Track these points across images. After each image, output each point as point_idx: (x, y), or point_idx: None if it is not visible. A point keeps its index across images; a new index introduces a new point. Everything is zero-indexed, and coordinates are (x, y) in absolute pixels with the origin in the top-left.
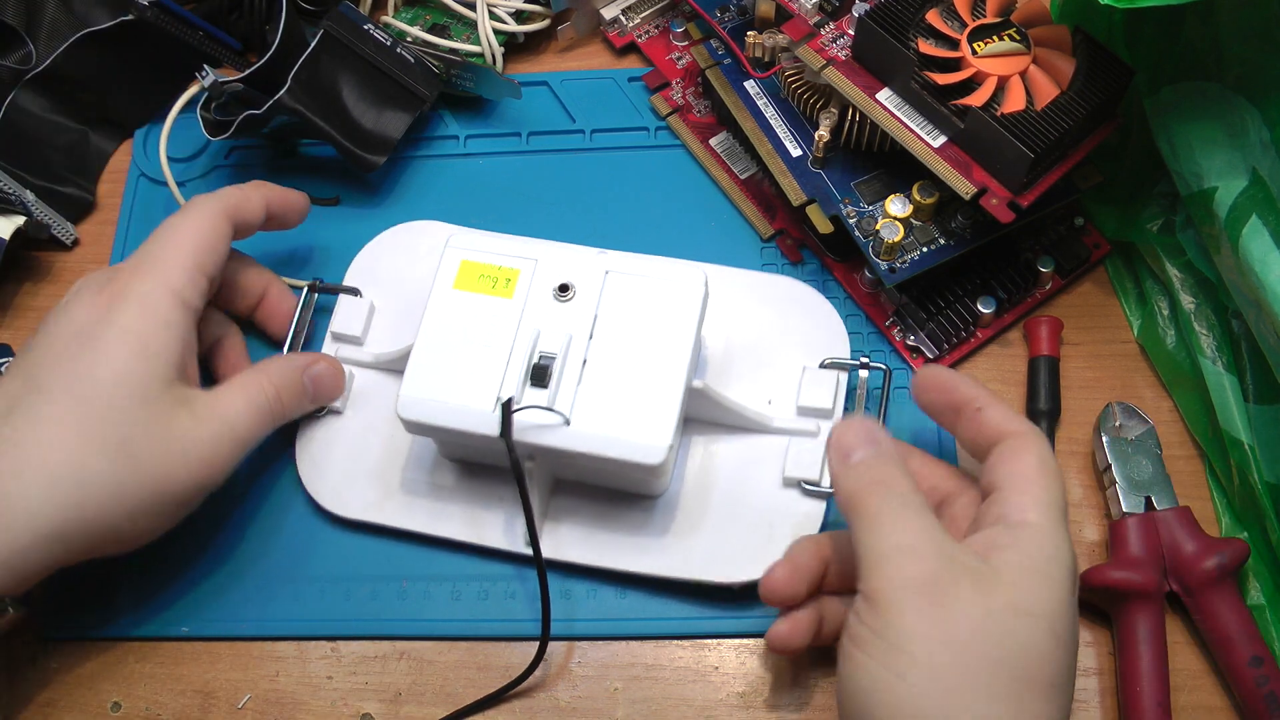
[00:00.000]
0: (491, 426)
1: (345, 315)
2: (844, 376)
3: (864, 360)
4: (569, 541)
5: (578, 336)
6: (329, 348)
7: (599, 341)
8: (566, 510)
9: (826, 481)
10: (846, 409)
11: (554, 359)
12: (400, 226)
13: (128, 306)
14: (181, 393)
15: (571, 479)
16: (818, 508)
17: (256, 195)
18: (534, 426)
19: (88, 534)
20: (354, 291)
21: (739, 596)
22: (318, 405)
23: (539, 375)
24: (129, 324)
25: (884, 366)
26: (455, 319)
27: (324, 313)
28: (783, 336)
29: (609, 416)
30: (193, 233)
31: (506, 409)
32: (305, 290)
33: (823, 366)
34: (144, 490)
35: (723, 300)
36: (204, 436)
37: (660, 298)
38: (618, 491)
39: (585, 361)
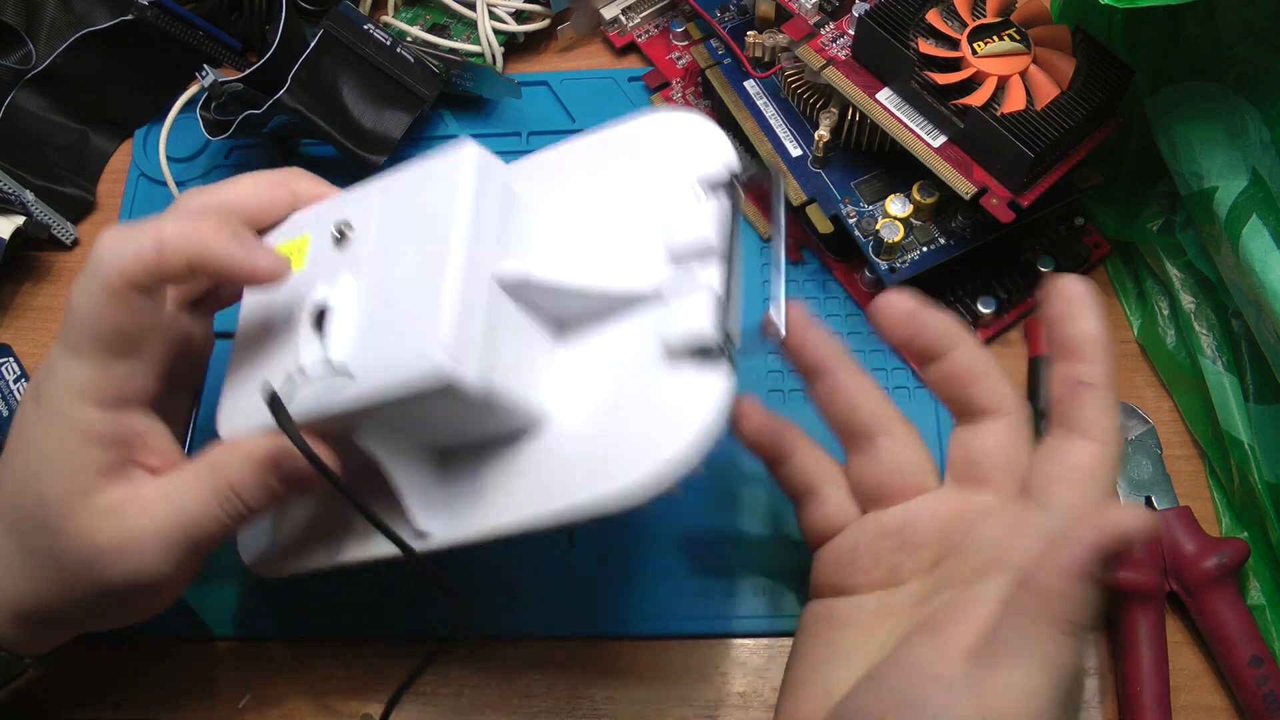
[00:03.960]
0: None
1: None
2: (724, 205)
3: (731, 171)
4: (458, 515)
5: (351, 271)
6: None
7: (370, 269)
8: (455, 474)
9: (724, 331)
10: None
11: (327, 307)
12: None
13: (29, 410)
14: (105, 498)
15: (437, 442)
16: (718, 378)
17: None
18: (323, 397)
19: (65, 621)
20: None
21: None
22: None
23: (319, 324)
24: (29, 431)
25: (775, 164)
26: (259, 315)
27: None
28: (653, 179)
29: (384, 346)
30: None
31: (274, 403)
32: None
33: (700, 199)
34: (95, 592)
35: (584, 168)
36: (136, 544)
37: (426, 188)
38: (501, 443)
39: (360, 297)
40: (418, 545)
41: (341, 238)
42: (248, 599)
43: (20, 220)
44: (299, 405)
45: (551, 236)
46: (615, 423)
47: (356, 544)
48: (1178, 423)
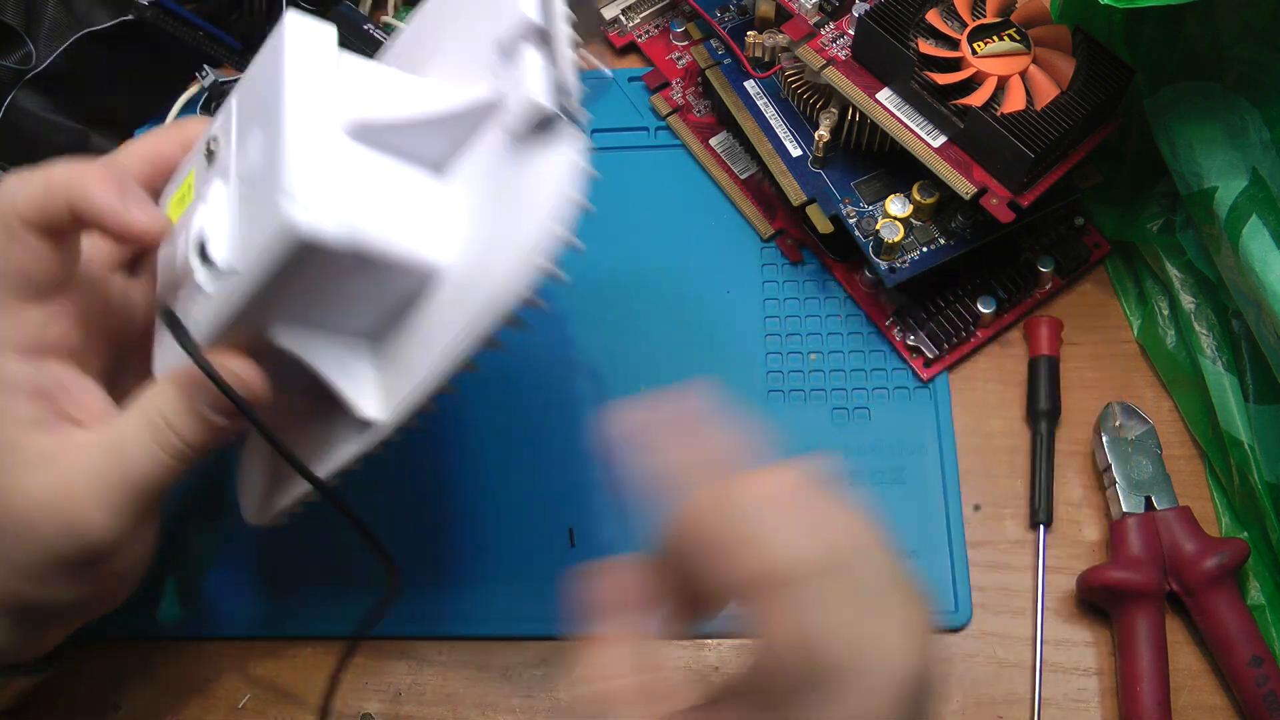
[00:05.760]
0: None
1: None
2: None
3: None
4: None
5: (221, 179)
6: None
7: (233, 167)
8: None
9: (558, 96)
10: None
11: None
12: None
13: None
14: (34, 449)
15: (353, 326)
16: (566, 143)
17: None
18: (220, 304)
19: (28, 609)
20: None
21: None
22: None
23: (201, 255)
24: None
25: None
26: (167, 258)
27: None
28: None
29: (253, 228)
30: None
31: (169, 320)
32: None
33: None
34: (41, 559)
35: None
36: (71, 493)
37: (259, 72)
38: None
39: (229, 197)
40: (369, 436)
41: (211, 154)
42: (248, 599)
43: None
44: (202, 322)
45: (390, 81)
46: (490, 231)
47: (318, 460)
48: (1178, 423)
